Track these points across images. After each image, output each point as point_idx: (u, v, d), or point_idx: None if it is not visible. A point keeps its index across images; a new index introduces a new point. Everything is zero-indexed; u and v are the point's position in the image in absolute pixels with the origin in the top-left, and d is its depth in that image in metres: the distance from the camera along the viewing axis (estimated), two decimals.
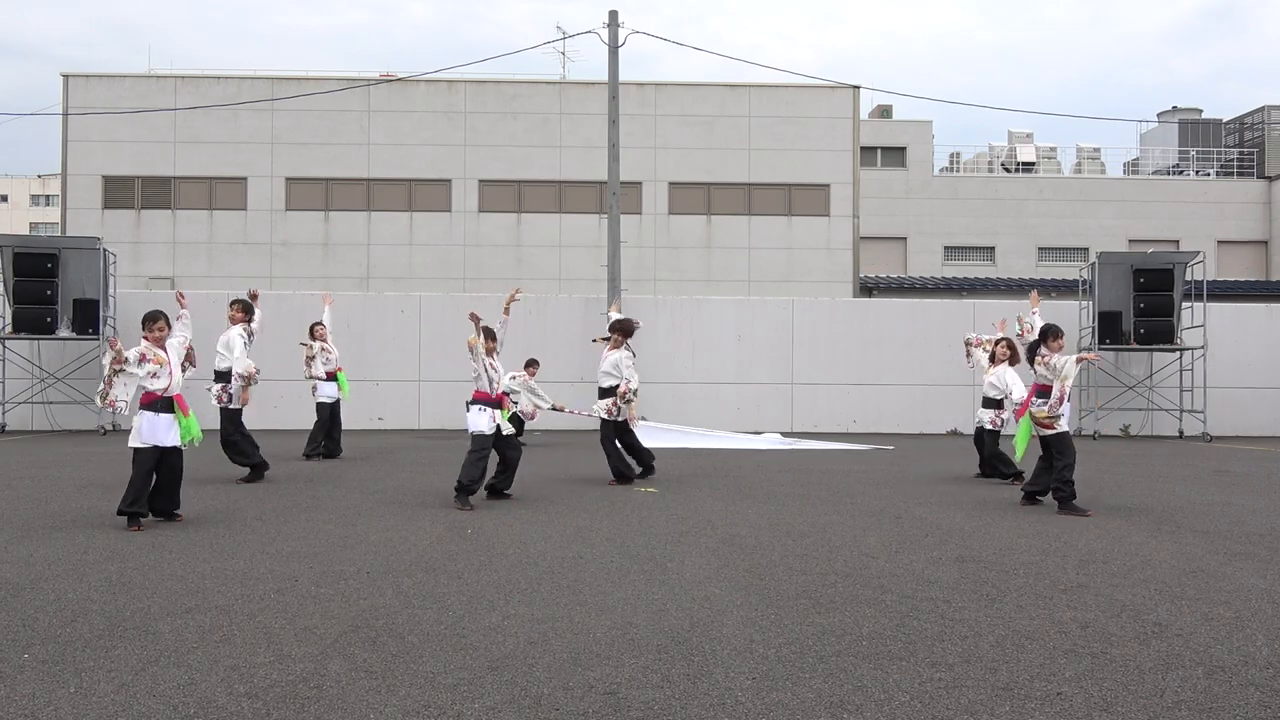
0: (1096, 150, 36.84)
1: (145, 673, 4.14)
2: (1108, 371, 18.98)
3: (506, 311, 9.77)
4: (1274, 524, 8.30)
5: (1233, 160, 36.89)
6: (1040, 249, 34.53)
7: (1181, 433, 18.97)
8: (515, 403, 14.39)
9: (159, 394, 7.74)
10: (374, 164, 27.44)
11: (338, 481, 10.69)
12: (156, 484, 7.81)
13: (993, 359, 11.22)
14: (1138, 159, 38.88)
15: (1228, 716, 3.75)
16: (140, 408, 7.78)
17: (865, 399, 19.31)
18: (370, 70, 69.85)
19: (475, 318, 8.92)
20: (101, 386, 7.77)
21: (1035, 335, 9.39)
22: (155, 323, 7.85)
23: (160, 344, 7.84)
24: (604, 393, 10.68)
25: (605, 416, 10.63)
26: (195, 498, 9.24)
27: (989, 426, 11.21)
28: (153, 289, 24.70)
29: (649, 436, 16.06)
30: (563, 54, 29.85)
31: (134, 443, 7.73)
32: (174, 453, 7.82)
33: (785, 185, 27.66)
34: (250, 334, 10.61)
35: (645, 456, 10.96)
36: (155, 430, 7.71)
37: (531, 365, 15.27)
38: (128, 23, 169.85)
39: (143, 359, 7.70)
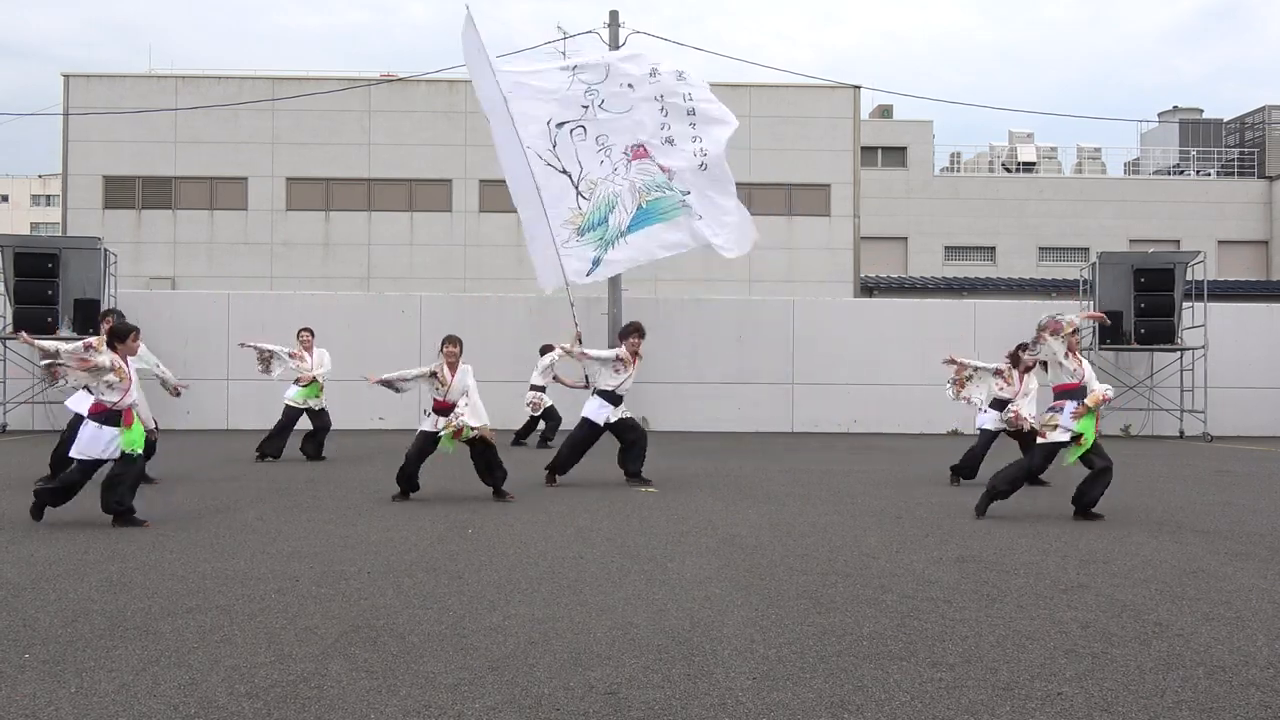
0: (1097, 150, 36.85)
1: (146, 673, 4.15)
2: (1108, 371, 18.97)
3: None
4: (1275, 524, 8.30)
5: (1233, 160, 36.88)
6: (1041, 249, 34.52)
7: (1182, 433, 18.96)
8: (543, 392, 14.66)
9: (109, 407, 7.62)
10: (374, 164, 27.43)
11: (338, 481, 10.70)
12: (104, 481, 7.77)
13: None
14: (1138, 159, 38.88)
15: (1228, 716, 3.75)
16: (89, 416, 7.71)
17: (865, 399, 19.31)
18: (370, 70, 69.95)
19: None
20: (53, 362, 7.52)
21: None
22: (130, 336, 7.90)
23: (125, 357, 7.81)
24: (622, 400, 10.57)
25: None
26: (196, 498, 9.25)
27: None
28: (153, 289, 24.69)
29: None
30: (563, 54, 29.81)
31: (75, 452, 7.75)
32: (119, 460, 7.74)
33: (786, 185, 27.64)
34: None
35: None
36: (96, 444, 7.64)
37: (548, 348, 15.39)
38: (128, 23, 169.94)
39: (112, 367, 7.58)
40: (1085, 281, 19.67)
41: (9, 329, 17.75)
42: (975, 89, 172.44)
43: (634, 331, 10.50)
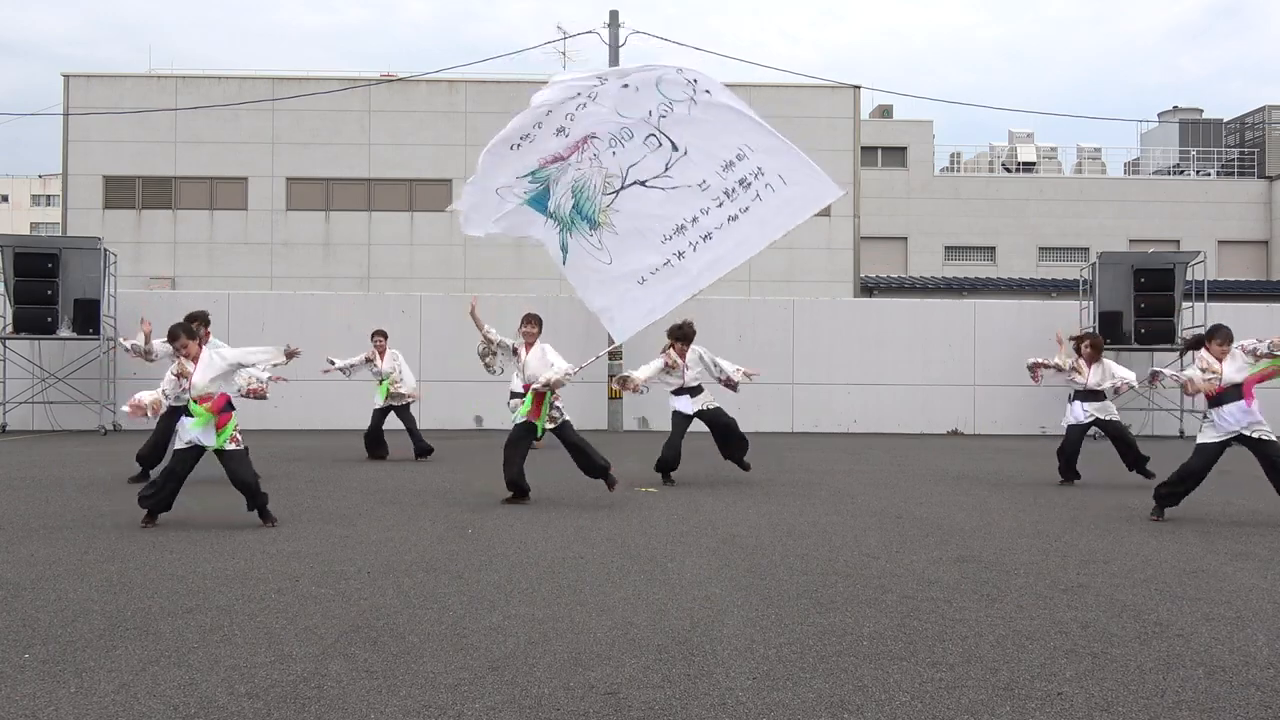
0: (1097, 150, 36.85)
1: (146, 673, 4.15)
2: None
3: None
4: (1275, 524, 8.30)
5: (1233, 160, 36.89)
6: (1041, 249, 34.52)
7: (1182, 433, 18.95)
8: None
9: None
10: (375, 164, 27.43)
11: (338, 481, 10.70)
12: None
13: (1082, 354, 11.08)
14: (1138, 159, 38.89)
15: (1228, 716, 3.75)
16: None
17: (865, 399, 19.30)
18: (371, 70, 69.94)
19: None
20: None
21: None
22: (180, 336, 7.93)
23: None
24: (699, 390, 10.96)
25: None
26: (196, 498, 9.24)
27: (1090, 418, 10.96)
28: (153, 289, 24.69)
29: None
30: (563, 54, 29.81)
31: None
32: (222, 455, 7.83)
33: None
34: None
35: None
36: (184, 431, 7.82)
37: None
38: (128, 22, 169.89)
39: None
40: (1085, 281, 19.67)
41: (9, 329, 17.76)
42: (976, 87, 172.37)
43: (671, 336, 11.02)
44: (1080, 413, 11.07)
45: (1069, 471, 11.02)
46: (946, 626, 4.93)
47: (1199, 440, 8.50)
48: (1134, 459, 10.95)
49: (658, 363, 10.83)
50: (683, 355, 10.84)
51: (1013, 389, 18.82)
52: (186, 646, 4.51)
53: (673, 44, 71.32)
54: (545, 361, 9.22)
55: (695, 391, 10.98)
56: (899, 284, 30.63)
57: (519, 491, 9.11)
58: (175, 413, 9.05)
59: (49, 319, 17.65)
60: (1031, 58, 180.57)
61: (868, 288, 29.58)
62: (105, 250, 18.37)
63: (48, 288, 17.75)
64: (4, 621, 4.90)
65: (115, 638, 4.64)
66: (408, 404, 13.42)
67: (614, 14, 19.74)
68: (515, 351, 9.51)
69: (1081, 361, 11.15)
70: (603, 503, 9.18)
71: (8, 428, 18.01)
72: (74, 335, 17.80)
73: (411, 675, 4.14)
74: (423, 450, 13.21)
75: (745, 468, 10.99)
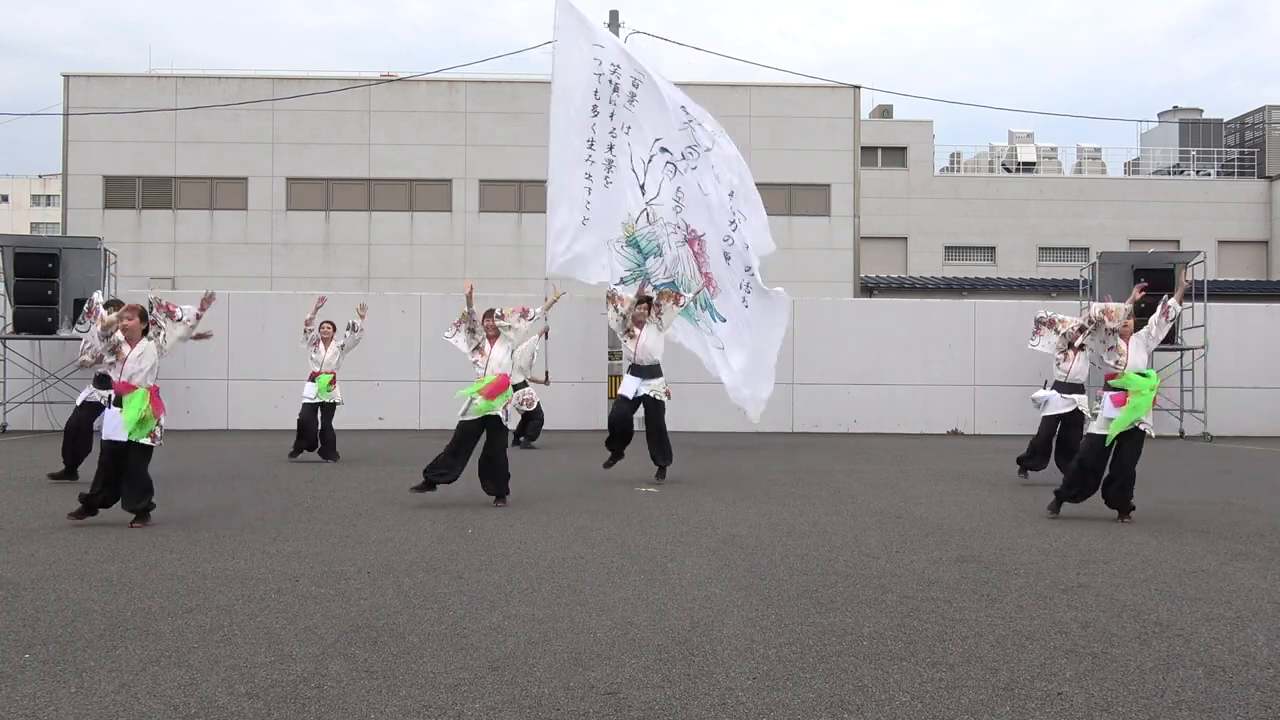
0: (1097, 150, 36.83)
1: (146, 673, 4.15)
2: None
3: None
4: (1275, 524, 8.30)
5: (1233, 160, 36.88)
6: (1041, 249, 34.51)
7: (1182, 433, 18.97)
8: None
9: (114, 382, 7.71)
10: (374, 164, 27.42)
11: (338, 481, 10.70)
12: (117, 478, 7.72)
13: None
14: (1138, 159, 38.88)
15: (1228, 716, 3.75)
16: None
17: (865, 399, 19.31)
18: (371, 70, 69.95)
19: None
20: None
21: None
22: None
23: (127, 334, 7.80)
24: (653, 371, 11.01)
25: (664, 398, 11.07)
26: (196, 498, 9.24)
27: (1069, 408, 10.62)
28: (153, 289, 24.67)
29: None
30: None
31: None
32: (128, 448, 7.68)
33: (786, 185, 27.62)
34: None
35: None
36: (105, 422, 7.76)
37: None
38: (128, 22, 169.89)
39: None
40: (1085, 281, 19.67)
41: (10, 329, 17.77)
42: (977, 87, 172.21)
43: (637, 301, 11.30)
44: (1060, 403, 10.80)
45: (1042, 463, 10.90)
46: (946, 626, 4.93)
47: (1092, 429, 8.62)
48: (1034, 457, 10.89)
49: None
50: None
51: (1013, 389, 18.81)
52: (186, 646, 4.51)
53: (673, 44, 71.22)
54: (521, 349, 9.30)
55: (647, 373, 11.03)
56: (899, 284, 30.63)
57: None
58: (93, 410, 9.10)
59: (49, 319, 17.65)
60: (1031, 58, 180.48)
61: (868, 288, 29.58)
62: (105, 250, 18.37)
63: (48, 288, 17.75)
64: (4, 621, 4.90)
65: (115, 638, 4.64)
66: (335, 405, 13.21)
67: (614, 14, 19.75)
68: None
69: (1071, 351, 10.85)
70: (603, 503, 9.18)
71: (8, 428, 18.01)
72: (74, 335, 17.79)
73: (411, 675, 4.14)
74: (328, 455, 13.03)
75: (659, 474, 10.86)
